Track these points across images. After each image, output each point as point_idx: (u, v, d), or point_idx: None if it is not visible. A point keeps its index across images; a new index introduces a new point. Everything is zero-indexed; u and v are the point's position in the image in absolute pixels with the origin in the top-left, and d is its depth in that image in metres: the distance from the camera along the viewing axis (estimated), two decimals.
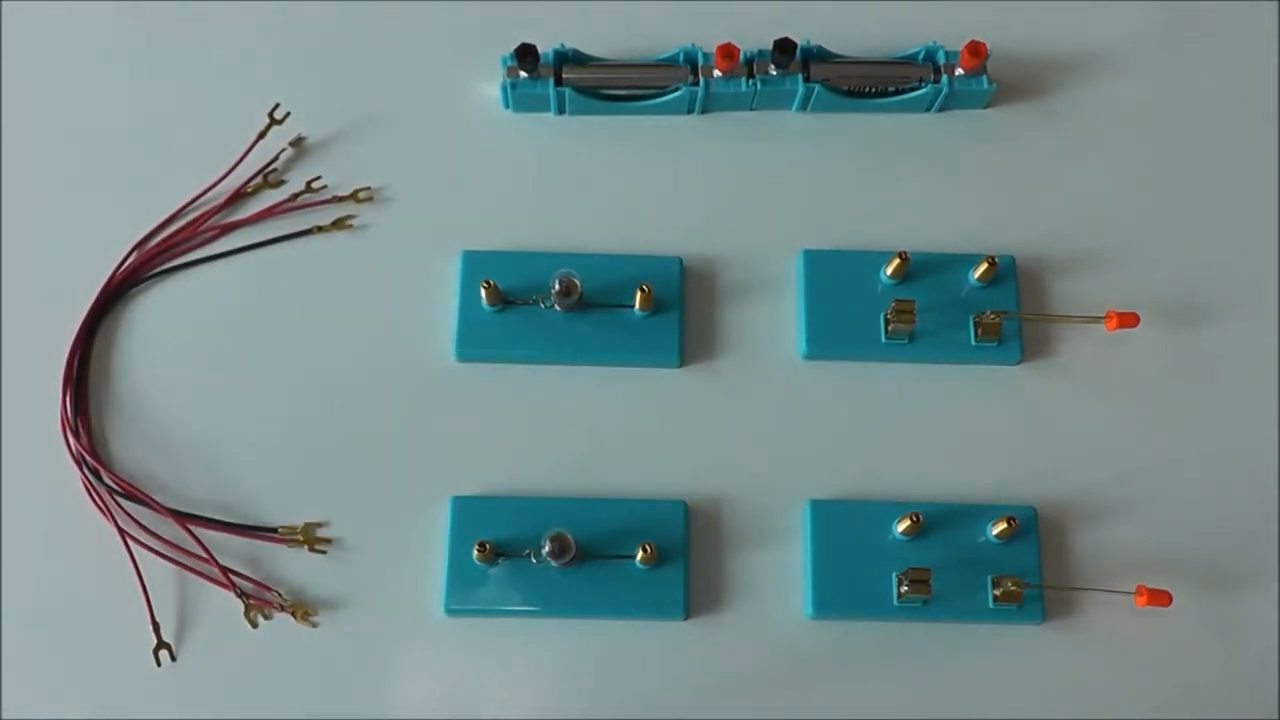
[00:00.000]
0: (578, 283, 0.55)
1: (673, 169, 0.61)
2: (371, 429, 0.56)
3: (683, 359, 0.57)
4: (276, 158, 0.60)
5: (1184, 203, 0.61)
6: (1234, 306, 0.59)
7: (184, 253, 0.59)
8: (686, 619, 0.53)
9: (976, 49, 0.60)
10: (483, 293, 0.55)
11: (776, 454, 0.56)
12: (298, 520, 0.54)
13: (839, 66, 0.61)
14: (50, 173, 0.60)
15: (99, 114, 0.61)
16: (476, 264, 0.57)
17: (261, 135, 0.60)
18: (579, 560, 0.52)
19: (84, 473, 0.54)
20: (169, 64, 0.63)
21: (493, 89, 0.61)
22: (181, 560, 0.53)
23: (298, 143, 0.61)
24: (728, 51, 0.59)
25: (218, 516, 0.54)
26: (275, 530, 0.54)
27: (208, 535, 0.53)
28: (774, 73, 0.60)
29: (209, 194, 0.59)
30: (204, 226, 0.59)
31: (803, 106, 0.62)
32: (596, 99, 0.61)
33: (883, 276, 0.57)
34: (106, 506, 0.54)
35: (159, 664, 0.52)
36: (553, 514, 0.53)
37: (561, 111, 0.61)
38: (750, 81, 0.60)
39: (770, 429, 0.56)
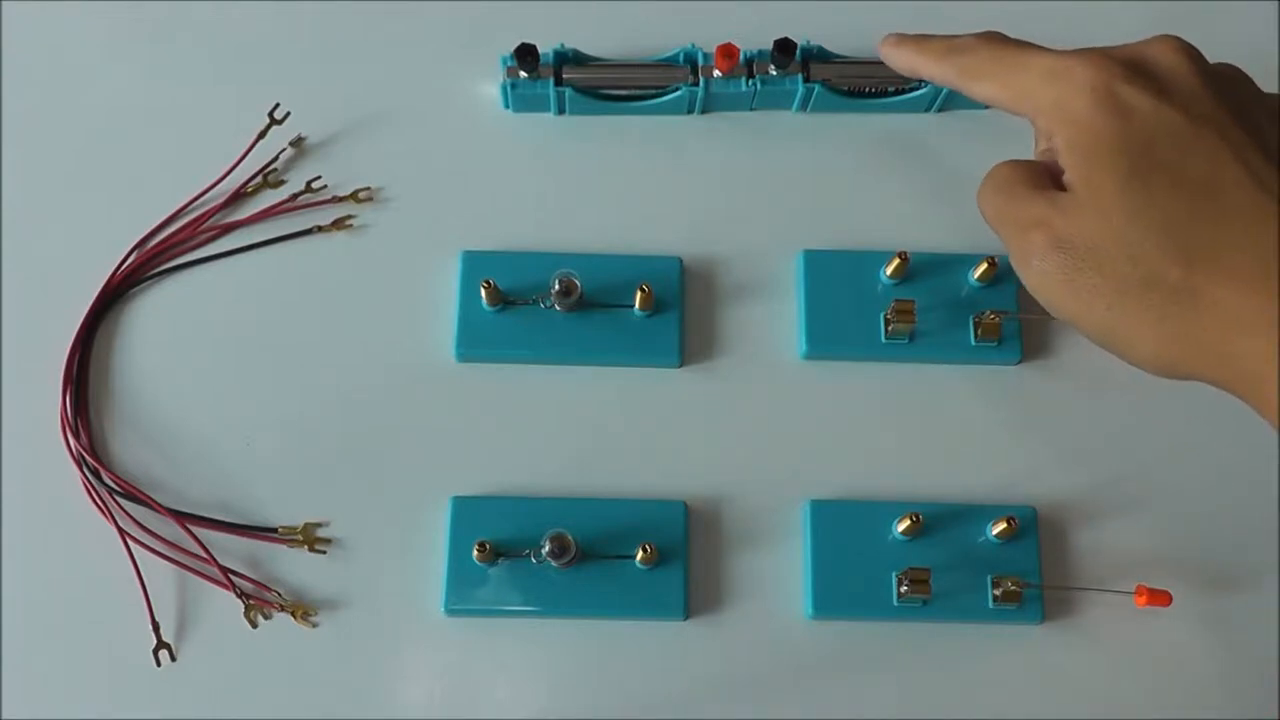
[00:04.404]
0: (578, 283, 0.55)
1: (673, 169, 0.61)
2: (371, 429, 0.56)
3: (683, 359, 0.57)
4: (276, 158, 0.60)
5: None
6: None
7: (184, 253, 0.59)
8: (686, 619, 0.53)
9: None
10: (483, 293, 0.55)
11: (776, 454, 0.56)
12: (298, 520, 0.54)
13: (839, 66, 0.61)
14: (51, 172, 0.60)
15: (99, 114, 0.61)
16: (476, 264, 0.57)
17: (261, 135, 0.60)
18: (579, 560, 0.52)
19: (84, 473, 0.54)
20: (169, 64, 0.63)
21: (493, 89, 0.61)
22: (181, 560, 0.53)
23: (298, 143, 0.61)
24: (728, 51, 0.59)
25: (218, 516, 0.54)
26: (275, 530, 0.54)
27: (208, 535, 0.53)
28: (774, 73, 0.60)
29: (209, 194, 0.59)
30: (204, 226, 0.59)
31: (803, 106, 0.62)
32: (596, 99, 0.61)
33: (883, 276, 0.57)
34: (106, 506, 0.54)
35: (159, 664, 0.52)
36: (553, 514, 0.53)
37: (561, 111, 0.61)
38: (750, 81, 0.60)
39: (770, 429, 0.56)
